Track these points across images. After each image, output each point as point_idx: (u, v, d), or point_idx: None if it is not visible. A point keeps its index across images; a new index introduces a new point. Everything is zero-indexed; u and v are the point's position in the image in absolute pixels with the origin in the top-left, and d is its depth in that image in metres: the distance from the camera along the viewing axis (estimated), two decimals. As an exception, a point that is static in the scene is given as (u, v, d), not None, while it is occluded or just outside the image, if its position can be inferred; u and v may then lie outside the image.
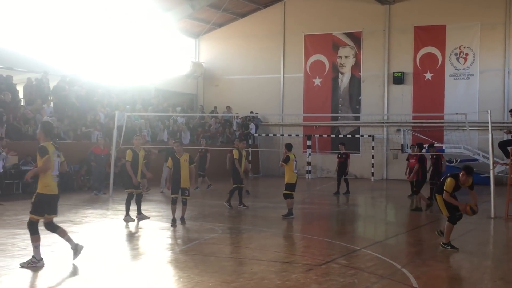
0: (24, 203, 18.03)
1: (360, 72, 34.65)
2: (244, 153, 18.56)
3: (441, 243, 11.67)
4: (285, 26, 36.31)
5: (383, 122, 34.44)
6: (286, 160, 15.98)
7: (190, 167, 14.24)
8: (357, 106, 34.61)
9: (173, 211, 14.28)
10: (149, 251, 11.33)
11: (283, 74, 36.38)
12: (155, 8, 32.42)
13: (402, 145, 32.40)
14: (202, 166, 23.12)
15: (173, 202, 14.25)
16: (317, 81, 35.55)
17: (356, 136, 33.95)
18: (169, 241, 12.52)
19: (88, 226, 14.22)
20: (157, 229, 13.75)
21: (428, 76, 33.19)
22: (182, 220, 14.39)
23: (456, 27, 32.59)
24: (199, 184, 23.09)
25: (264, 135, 35.85)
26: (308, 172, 33.03)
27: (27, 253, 10.50)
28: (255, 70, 36.87)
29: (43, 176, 9.63)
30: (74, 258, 9.80)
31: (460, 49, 32.59)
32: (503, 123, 29.86)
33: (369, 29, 34.38)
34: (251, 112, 35.31)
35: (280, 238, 13.47)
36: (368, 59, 34.45)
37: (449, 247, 11.47)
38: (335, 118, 35.44)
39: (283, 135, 35.52)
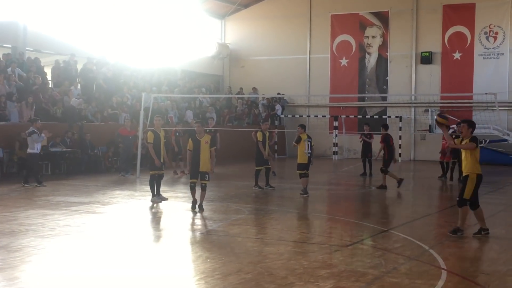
0: (53, 184, 18.30)
1: (388, 52, 34.27)
2: (267, 134, 18.38)
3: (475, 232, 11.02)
4: (311, 6, 35.99)
5: (410, 103, 34.08)
6: (298, 140, 16.42)
7: (210, 150, 13.39)
8: (384, 87, 34.29)
9: (193, 195, 13.52)
10: (175, 232, 11.40)
11: (310, 55, 36.14)
12: (180, -11, 32.37)
13: (430, 126, 32.04)
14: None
15: (192, 188, 13.40)
16: (344, 61, 35.26)
17: (383, 116, 33.65)
18: (196, 222, 12.58)
19: (116, 207, 14.35)
20: (183, 210, 13.80)
21: (457, 55, 32.71)
22: (200, 207, 13.36)
23: (486, 6, 31.99)
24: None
25: (290, 116, 35.73)
26: (335, 153, 32.89)
27: (57, 233, 10.67)
28: (281, 51, 36.68)
29: None
30: None
31: (489, 27, 32.03)
32: (534, 103, 29.38)
33: (396, 8, 33.93)
34: (278, 94, 35.19)
35: (307, 219, 13.45)
36: (396, 39, 34.04)
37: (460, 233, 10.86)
38: (362, 99, 35.17)
39: (309, 116, 35.37)
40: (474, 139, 10.91)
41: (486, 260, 9.23)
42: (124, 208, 14.35)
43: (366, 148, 23.45)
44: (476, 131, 11.60)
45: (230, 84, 37.80)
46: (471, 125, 11.15)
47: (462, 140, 11.04)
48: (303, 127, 16.89)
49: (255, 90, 36.01)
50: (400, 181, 18.60)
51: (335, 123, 33.37)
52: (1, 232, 10.67)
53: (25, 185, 17.63)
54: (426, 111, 33.24)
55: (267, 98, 35.93)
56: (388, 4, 34.07)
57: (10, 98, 21.38)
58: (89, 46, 27.77)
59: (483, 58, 32.26)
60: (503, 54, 31.81)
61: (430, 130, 31.60)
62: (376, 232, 11.33)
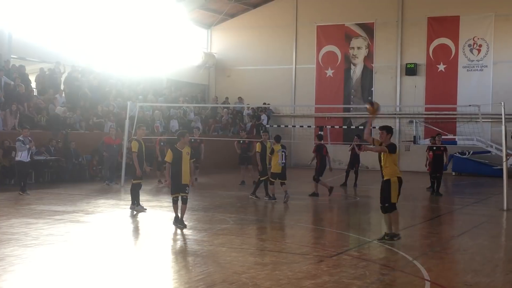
0: (37, 193, 18.16)
1: (373, 63, 34.50)
2: (268, 145, 18.41)
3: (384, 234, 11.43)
4: (297, 17, 36.17)
5: (395, 114, 34.28)
6: (271, 152, 17.67)
7: (190, 161, 12.51)
8: (370, 98, 34.45)
9: (176, 210, 12.63)
10: (159, 242, 11.35)
11: (295, 65, 36.29)
12: (167, -2, 32.40)
13: (414, 137, 32.24)
14: (196, 158, 22.64)
15: (174, 202, 12.55)
16: (329, 72, 35.43)
17: (368, 127, 33.70)
18: (180, 232, 12.53)
19: (100, 216, 14.28)
20: (168, 220, 13.73)
21: (441, 67, 33.00)
22: (182, 223, 12.46)
23: (470, 18, 32.34)
24: (197, 175, 22.34)
25: (276, 126, 35.78)
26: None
27: (40, 243, 10.59)
28: (267, 61, 36.79)
29: None
30: None
31: (473, 40, 32.37)
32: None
33: (382, 20, 34.19)
34: (264, 103, 35.23)
35: (292, 229, 13.45)
36: (381, 50, 34.29)
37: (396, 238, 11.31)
38: (347, 109, 35.32)
39: (295, 126, 35.46)
40: (390, 145, 11.26)
41: (469, 271, 9.28)
42: (108, 217, 14.28)
43: (355, 159, 23.67)
44: (460, 143, 11.71)
45: (216, 93, 37.80)
46: (390, 130, 11.48)
47: (381, 144, 11.32)
48: (277, 138, 18.08)
49: (240, 100, 36.03)
50: (330, 190, 19.23)
51: (320, 133, 33.36)
52: (-17, 241, 10.57)
53: (22, 193, 17.68)
54: (411, 122, 33.46)
55: (253, 108, 35.96)
56: (373, 15, 34.33)
57: (-4, 106, 21.26)
58: (74, 54, 27.66)
59: (467, 70, 32.57)
60: (486, 66, 32.13)
61: (415, 141, 31.78)
62: (360, 243, 11.35)
